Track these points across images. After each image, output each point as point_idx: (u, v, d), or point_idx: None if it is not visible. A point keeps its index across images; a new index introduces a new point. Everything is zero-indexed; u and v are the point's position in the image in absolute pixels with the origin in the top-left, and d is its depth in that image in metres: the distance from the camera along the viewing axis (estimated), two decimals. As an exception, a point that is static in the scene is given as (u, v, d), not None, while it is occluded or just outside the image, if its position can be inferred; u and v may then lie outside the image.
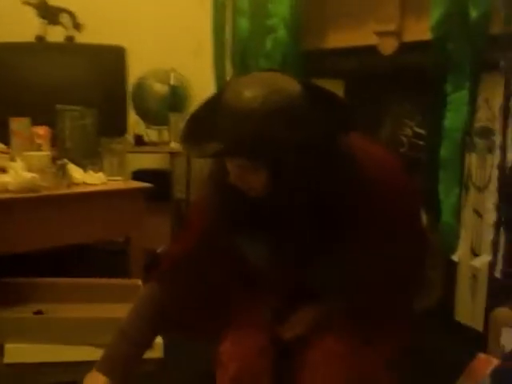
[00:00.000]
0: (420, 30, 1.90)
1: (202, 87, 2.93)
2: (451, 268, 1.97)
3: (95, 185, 2.19)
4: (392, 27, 2.04)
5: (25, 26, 2.92)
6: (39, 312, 1.97)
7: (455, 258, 1.87)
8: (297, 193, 1.20)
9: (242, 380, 1.33)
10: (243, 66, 2.51)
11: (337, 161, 1.22)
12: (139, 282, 2.13)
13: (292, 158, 1.15)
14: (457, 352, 1.83)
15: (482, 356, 1.65)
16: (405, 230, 1.32)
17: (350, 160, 1.24)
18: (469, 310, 1.93)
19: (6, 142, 2.46)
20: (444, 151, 1.82)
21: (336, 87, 2.30)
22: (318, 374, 1.28)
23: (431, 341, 1.95)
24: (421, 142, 2.04)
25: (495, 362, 1.56)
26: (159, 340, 1.88)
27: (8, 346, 1.76)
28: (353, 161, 1.24)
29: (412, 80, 1.98)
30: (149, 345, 1.44)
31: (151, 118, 3.18)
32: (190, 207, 1.44)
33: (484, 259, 1.80)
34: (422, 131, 2.05)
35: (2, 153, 2.51)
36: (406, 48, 2.03)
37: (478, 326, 1.88)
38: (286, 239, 1.31)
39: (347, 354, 1.28)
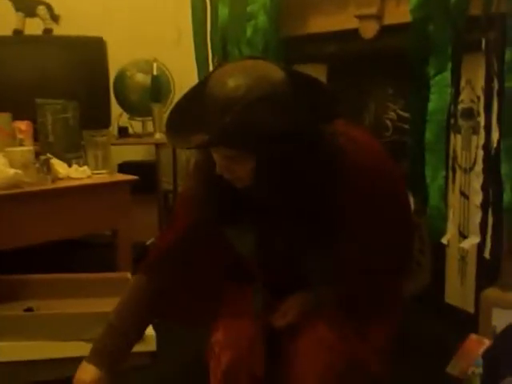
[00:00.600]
0: (401, 13, 1.89)
1: (185, 76, 2.90)
2: (440, 251, 1.98)
3: (80, 179, 2.18)
4: (373, 10, 2.02)
5: (1, 20, 2.87)
6: (29, 309, 1.96)
7: (444, 240, 1.88)
8: (282, 181, 1.20)
9: (235, 370, 1.34)
10: (224, 53, 2.49)
11: (321, 148, 1.22)
12: (128, 275, 2.12)
13: (277, 146, 1.14)
14: (448, 334, 1.84)
15: (473, 337, 1.66)
16: (392, 214, 1.33)
17: (334, 146, 1.24)
18: (459, 292, 1.94)
19: (-12, 139, 2.43)
20: (429, 134, 1.82)
21: (318, 72, 2.29)
22: (309, 362, 1.28)
23: (422, 324, 1.96)
24: (406, 126, 2.04)
25: (487, 342, 1.58)
26: (152, 333, 1.88)
27: (0, 345, 1.75)
28: (337, 147, 1.24)
29: (394, 63, 1.98)
30: (138, 335, 1.44)
31: (134, 109, 3.15)
32: (177, 199, 1.44)
33: (472, 241, 1.81)
34: (406, 114, 2.05)
35: (-16, 149, 2.49)
36: (388, 31, 2.02)
37: (469, 307, 1.89)
38: (273, 229, 1.31)
39: (338, 342, 1.29)
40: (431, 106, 1.81)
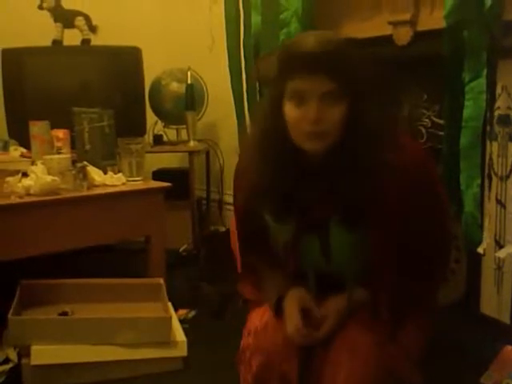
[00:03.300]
0: (435, 19, 1.87)
1: (218, 84, 2.94)
2: (476, 260, 1.94)
3: (115, 186, 2.21)
4: (407, 17, 2.01)
5: (41, 31, 2.95)
6: (64, 313, 1.99)
7: (479, 249, 1.84)
8: (362, 145, 1.23)
9: (266, 374, 1.33)
10: (256, 60, 2.50)
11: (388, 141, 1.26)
12: (161, 281, 2.14)
13: (367, 101, 1.23)
14: (484, 345, 1.80)
15: (508, 348, 1.62)
16: (432, 221, 1.32)
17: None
18: (494, 302, 1.90)
19: (28, 146, 2.50)
20: (464, 141, 1.79)
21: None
22: (342, 368, 1.27)
23: (458, 334, 1.93)
24: (440, 133, 2.01)
25: (522, 354, 1.54)
26: (183, 338, 1.89)
27: (35, 348, 1.78)
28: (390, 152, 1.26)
29: (429, 69, 1.96)
30: None
31: (169, 117, 3.19)
32: (235, 175, 1.51)
33: (508, 250, 1.77)
34: (440, 121, 2.02)
35: (24, 157, 2.55)
36: (422, 37, 2.01)
37: (505, 318, 1.85)
38: (318, 219, 1.31)
39: (372, 351, 1.26)
40: (466, 112, 1.78)
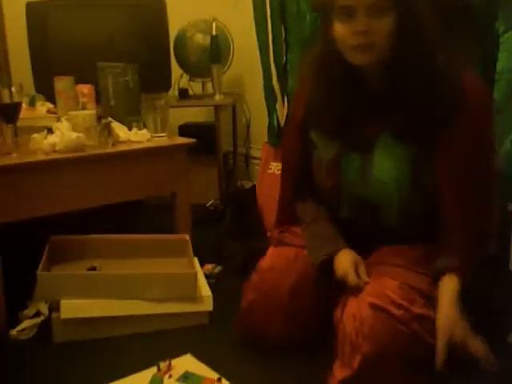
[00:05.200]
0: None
1: (244, 35, 2.87)
2: (506, 216, 1.89)
3: (140, 142, 2.20)
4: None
5: (64, -17, 2.90)
6: (93, 268, 2.03)
7: (511, 207, 1.80)
8: (411, 62, 1.27)
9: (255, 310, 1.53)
10: (282, 10, 2.44)
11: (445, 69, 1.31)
12: (187, 237, 2.15)
13: (419, 10, 1.26)
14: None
15: (537, 307, 1.60)
16: (487, 166, 1.40)
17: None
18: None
19: (55, 101, 2.49)
20: (497, 94, 1.73)
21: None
22: (370, 283, 1.35)
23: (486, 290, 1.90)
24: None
25: (551, 312, 1.51)
26: (208, 293, 1.91)
27: (64, 302, 1.82)
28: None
29: (462, 20, 1.87)
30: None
31: (194, 70, 3.14)
32: (294, 97, 1.65)
33: (540, 206, 1.73)
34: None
35: (51, 112, 2.56)
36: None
37: (535, 275, 1.82)
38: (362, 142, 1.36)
39: (399, 270, 1.36)
40: (500, 64, 1.72)
